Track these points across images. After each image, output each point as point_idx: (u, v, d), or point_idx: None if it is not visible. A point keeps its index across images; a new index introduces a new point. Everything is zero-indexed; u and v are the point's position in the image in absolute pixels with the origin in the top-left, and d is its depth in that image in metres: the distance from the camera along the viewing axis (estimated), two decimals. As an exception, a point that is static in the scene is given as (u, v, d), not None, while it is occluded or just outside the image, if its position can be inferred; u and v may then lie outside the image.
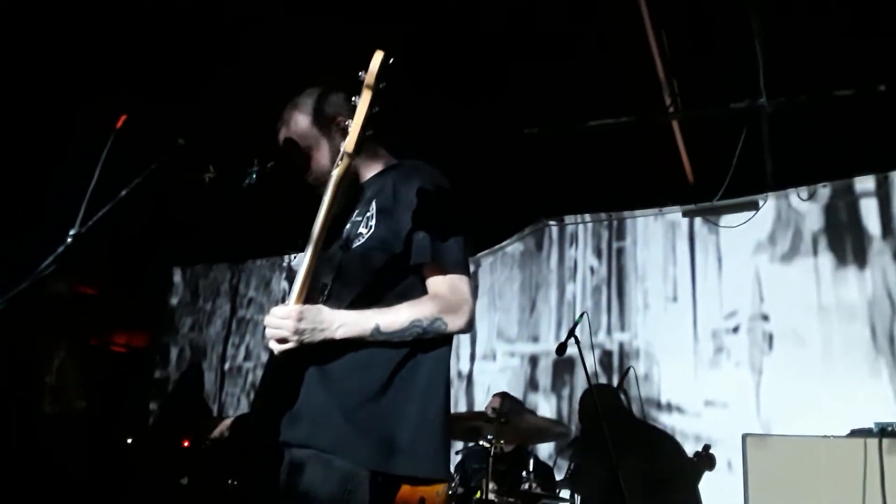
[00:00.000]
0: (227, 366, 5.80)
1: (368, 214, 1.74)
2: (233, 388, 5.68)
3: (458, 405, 4.87)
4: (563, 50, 3.74)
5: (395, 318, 1.65)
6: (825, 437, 3.13)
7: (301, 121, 1.88)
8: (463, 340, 4.92)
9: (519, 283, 5.21)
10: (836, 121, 3.85)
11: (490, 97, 4.06)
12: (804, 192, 4.31)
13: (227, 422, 3.91)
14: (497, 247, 5.36)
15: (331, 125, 1.82)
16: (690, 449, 3.99)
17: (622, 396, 4.34)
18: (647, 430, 4.22)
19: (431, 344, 1.70)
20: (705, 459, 3.79)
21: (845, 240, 4.10)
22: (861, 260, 4.01)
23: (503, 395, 4.07)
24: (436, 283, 1.70)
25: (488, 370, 5.01)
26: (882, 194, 4.08)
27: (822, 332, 3.92)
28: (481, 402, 4.29)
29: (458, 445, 3.83)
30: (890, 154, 3.99)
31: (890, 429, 3.03)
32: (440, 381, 1.72)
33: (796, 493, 3.08)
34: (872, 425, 3.10)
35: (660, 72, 3.90)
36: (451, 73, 3.84)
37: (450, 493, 3.17)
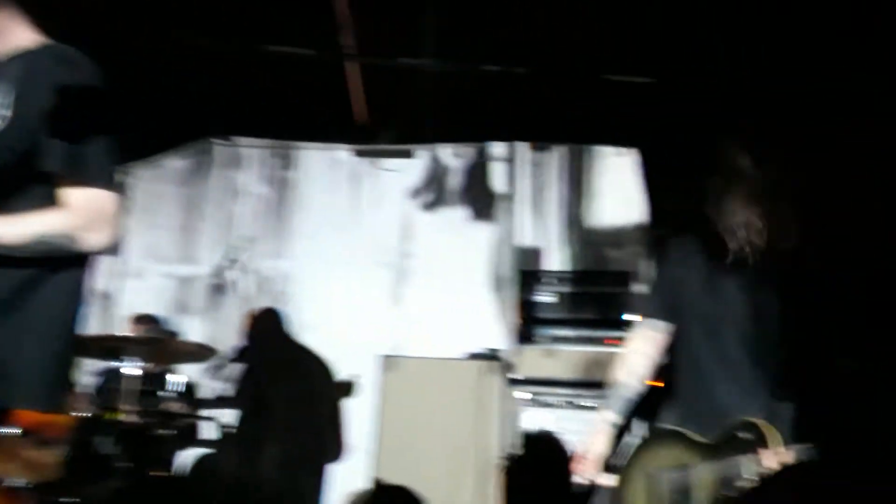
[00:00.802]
0: None
1: None
2: None
3: (98, 325, 4.50)
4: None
5: (16, 229, 1.44)
6: (447, 359, 3.74)
7: None
8: (107, 257, 4.51)
9: (178, 200, 4.95)
10: (487, 89, 4.43)
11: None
12: (454, 149, 4.88)
13: None
14: (156, 159, 4.98)
15: None
16: (337, 369, 4.36)
17: (277, 319, 4.51)
18: (299, 351, 4.45)
19: (61, 263, 1.52)
20: (348, 386, 4.20)
21: (479, 196, 4.78)
22: (489, 214, 4.73)
23: (146, 318, 3.90)
24: (72, 195, 1.50)
25: (136, 289, 4.70)
26: (510, 160, 4.84)
27: (451, 272, 4.54)
28: (124, 322, 4.04)
29: (98, 366, 3.58)
30: (518, 126, 4.76)
31: (494, 354, 3.75)
32: (68, 306, 1.57)
33: (420, 406, 3.62)
34: (484, 350, 3.80)
35: (342, 12, 3.99)
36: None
37: (83, 415, 2.97)
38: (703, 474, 1.71)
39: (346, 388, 4.21)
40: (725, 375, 1.82)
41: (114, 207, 1.55)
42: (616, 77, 4.22)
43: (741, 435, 1.69)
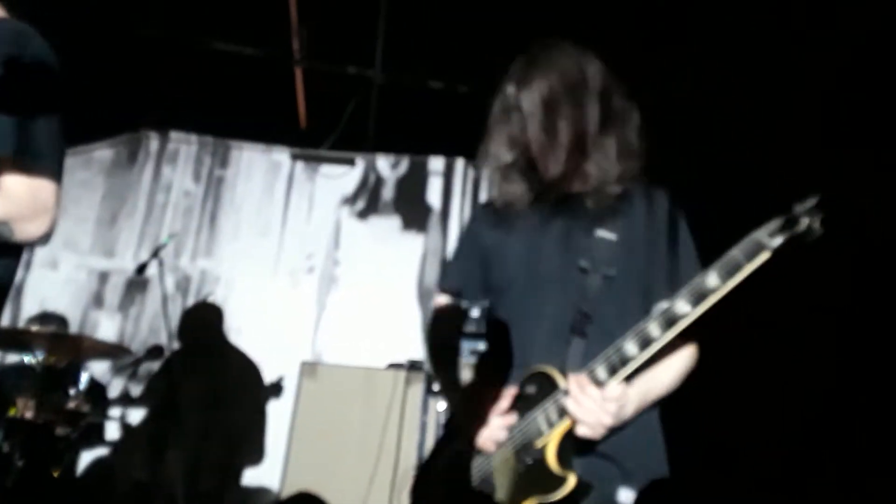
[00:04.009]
0: None
1: None
2: None
3: (4, 316, 4.26)
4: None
5: None
6: (367, 368, 3.71)
7: None
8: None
9: (102, 192, 4.77)
10: (429, 104, 4.47)
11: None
12: (391, 159, 4.88)
13: None
14: (83, 148, 4.78)
15: None
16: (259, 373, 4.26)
17: (196, 318, 4.39)
18: (217, 352, 4.35)
19: None
20: (276, 388, 4.11)
21: (412, 207, 4.77)
22: (421, 226, 4.73)
23: (50, 318, 3.74)
24: (13, 181, 1.41)
25: (47, 280, 4.51)
26: (447, 175, 4.86)
27: (379, 281, 4.53)
28: (32, 314, 3.85)
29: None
30: (458, 143, 4.80)
31: (416, 364, 3.74)
32: None
33: (337, 414, 3.58)
34: (405, 361, 3.78)
35: (293, 15, 3.98)
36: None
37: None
38: (501, 453, 1.43)
39: (274, 389, 4.12)
40: (536, 335, 1.50)
41: (55, 199, 1.47)
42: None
43: (527, 391, 1.42)
